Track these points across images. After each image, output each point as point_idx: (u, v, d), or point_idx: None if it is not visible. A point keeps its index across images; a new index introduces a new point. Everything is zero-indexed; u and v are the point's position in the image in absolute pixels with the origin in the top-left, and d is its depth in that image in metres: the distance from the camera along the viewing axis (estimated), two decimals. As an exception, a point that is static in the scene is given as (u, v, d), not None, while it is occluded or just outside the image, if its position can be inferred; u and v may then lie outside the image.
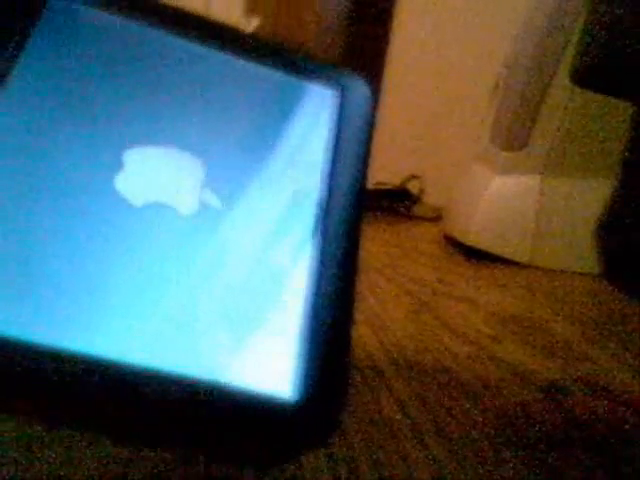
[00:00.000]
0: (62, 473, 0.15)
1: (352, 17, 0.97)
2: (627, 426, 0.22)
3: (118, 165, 0.16)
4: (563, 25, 0.50)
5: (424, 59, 0.97)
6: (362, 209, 0.18)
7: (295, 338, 0.16)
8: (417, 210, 0.83)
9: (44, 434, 0.17)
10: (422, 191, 0.86)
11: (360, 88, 0.20)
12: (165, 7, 0.18)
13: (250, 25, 0.90)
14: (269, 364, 0.15)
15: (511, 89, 0.57)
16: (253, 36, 0.19)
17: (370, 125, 0.20)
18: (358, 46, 0.98)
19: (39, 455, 0.16)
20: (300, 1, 0.94)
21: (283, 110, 0.19)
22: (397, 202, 0.83)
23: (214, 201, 0.17)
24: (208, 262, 0.16)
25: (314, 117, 0.19)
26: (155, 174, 0.16)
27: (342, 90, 0.20)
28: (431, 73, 0.98)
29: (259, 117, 0.18)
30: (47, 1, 0.17)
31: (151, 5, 0.18)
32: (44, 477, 0.15)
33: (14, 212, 0.14)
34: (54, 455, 0.16)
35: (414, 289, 0.40)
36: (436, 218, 0.78)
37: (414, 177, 0.86)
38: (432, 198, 0.86)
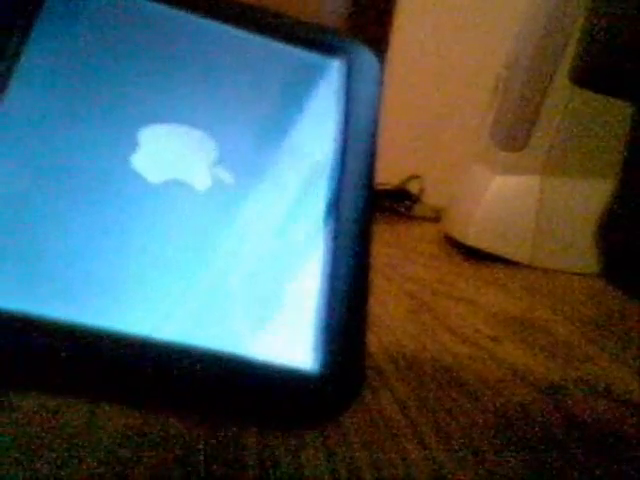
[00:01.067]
0: (62, 473, 0.15)
1: (352, 18, 0.97)
2: (627, 426, 0.22)
3: (134, 144, 0.16)
4: (563, 25, 0.50)
5: (424, 59, 0.97)
6: (373, 181, 0.18)
7: (314, 311, 0.16)
8: (417, 210, 0.83)
9: (44, 434, 0.17)
10: (422, 191, 0.86)
11: (366, 56, 0.20)
12: None
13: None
14: (290, 337, 0.15)
15: (511, 89, 0.57)
16: (259, 8, 0.19)
17: (378, 92, 0.20)
18: (358, 46, 0.98)
19: (39, 455, 0.16)
20: (300, 1, 0.94)
21: (292, 83, 0.19)
22: (397, 202, 0.83)
23: (227, 178, 0.17)
24: (226, 237, 0.16)
25: (323, 88, 0.19)
26: (170, 151, 0.16)
27: (349, 59, 0.20)
28: (431, 73, 0.98)
29: (269, 91, 0.18)
30: None
31: None
32: (44, 477, 0.15)
33: (34, 196, 0.14)
34: (54, 455, 0.16)
35: (414, 289, 0.40)
36: (436, 218, 0.78)
37: (414, 177, 0.86)
38: (432, 198, 0.86)
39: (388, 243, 0.58)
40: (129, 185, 0.15)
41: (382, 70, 0.20)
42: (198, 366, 0.14)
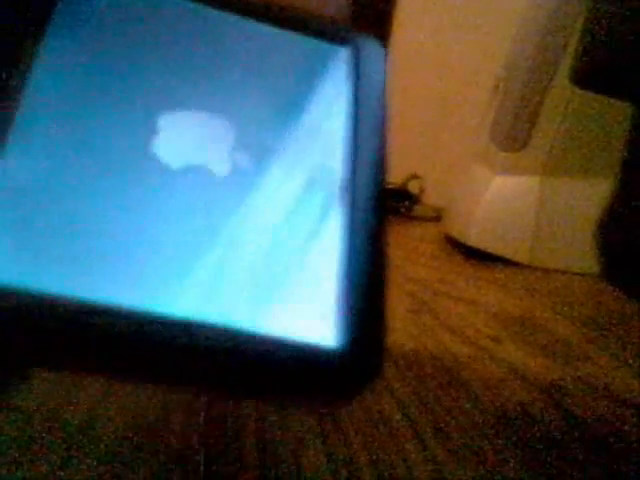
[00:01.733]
0: (62, 473, 0.15)
1: (352, 18, 0.97)
2: (627, 426, 0.22)
3: (153, 130, 0.16)
4: (563, 25, 0.50)
5: (424, 60, 0.97)
6: (386, 161, 0.19)
7: (333, 287, 0.16)
8: (417, 210, 0.83)
9: (44, 434, 0.17)
10: (422, 191, 0.86)
11: (373, 45, 0.21)
12: None
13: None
14: (311, 313, 0.16)
15: (511, 89, 0.57)
16: (269, 3, 0.20)
17: (385, 78, 0.20)
18: (358, 46, 0.98)
19: (39, 455, 0.16)
20: (300, 1, 0.94)
21: (304, 69, 0.19)
22: (397, 202, 0.83)
23: (245, 162, 0.17)
24: (245, 218, 0.16)
25: (333, 74, 0.20)
26: (189, 137, 0.17)
27: (357, 47, 0.21)
28: (431, 73, 0.98)
29: (282, 77, 0.19)
30: None
31: None
32: (44, 477, 0.15)
33: (55, 181, 0.15)
34: (54, 455, 0.16)
35: (414, 289, 0.40)
36: (436, 218, 0.78)
37: (414, 177, 0.86)
38: (432, 198, 0.87)
39: (388, 243, 0.58)
40: (149, 170, 0.16)
41: (388, 58, 0.21)
42: (218, 343, 0.14)
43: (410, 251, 0.56)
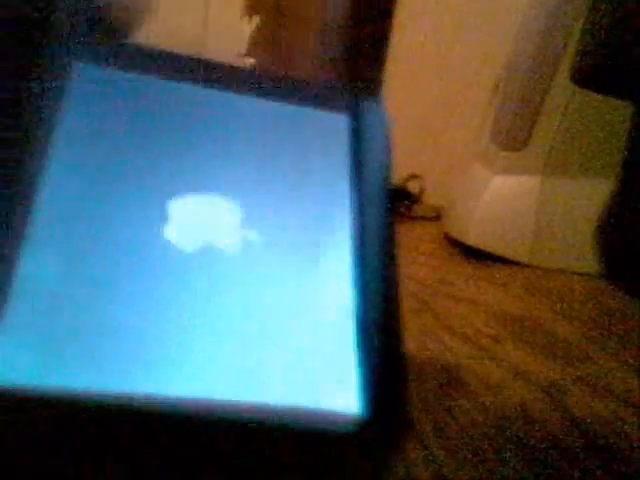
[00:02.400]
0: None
1: (352, 17, 0.97)
2: (627, 426, 0.22)
3: (165, 217, 0.17)
4: (563, 25, 0.50)
5: (424, 59, 0.97)
6: (392, 224, 0.19)
7: (352, 357, 0.16)
8: (417, 210, 0.83)
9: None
10: (422, 191, 0.86)
11: (374, 110, 0.21)
12: (180, 59, 0.19)
13: (250, 25, 0.90)
14: (335, 385, 0.16)
15: (511, 89, 0.57)
16: (263, 73, 0.20)
17: (388, 142, 0.21)
18: (358, 46, 0.98)
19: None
20: (300, 1, 0.94)
21: (305, 141, 0.20)
22: (397, 202, 0.83)
23: (254, 236, 0.17)
24: (260, 295, 0.17)
25: (334, 142, 0.20)
26: (199, 220, 0.17)
27: (354, 114, 0.21)
28: (431, 73, 0.98)
29: (282, 149, 0.20)
30: (71, 67, 0.17)
31: (169, 60, 0.19)
32: (45, 477, 0.15)
33: (74, 275, 0.15)
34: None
35: (414, 289, 0.40)
36: (436, 218, 0.78)
37: (414, 176, 0.86)
38: (432, 198, 0.86)
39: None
40: (163, 256, 0.16)
41: (389, 123, 0.21)
42: (249, 420, 0.15)
43: (410, 251, 0.56)
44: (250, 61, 0.89)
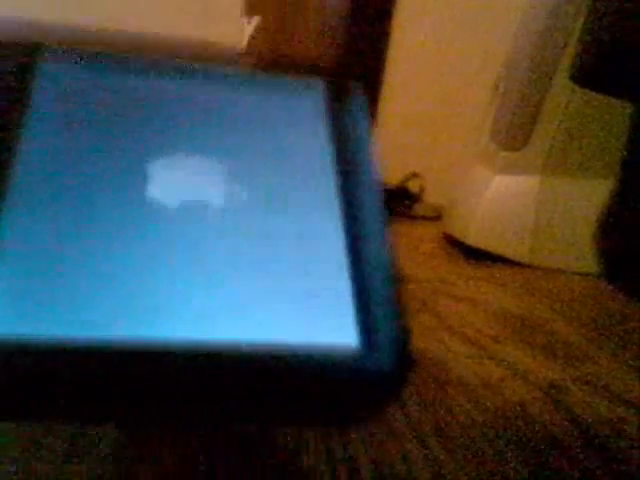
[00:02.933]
0: (62, 473, 0.15)
1: (352, 17, 0.97)
2: (627, 426, 0.22)
3: (147, 180, 0.17)
4: (563, 25, 0.50)
5: (424, 59, 0.97)
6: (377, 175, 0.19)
7: (348, 291, 0.17)
8: (417, 209, 0.83)
9: (44, 434, 0.17)
10: (422, 190, 0.86)
11: (350, 88, 0.21)
12: (152, 60, 0.19)
13: (250, 24, 0.90)
14: (332, 320, 0.16)
15: (511, 89, 0.57)
16: (239, 70, 0.21)
17: (365, 119, 0.21)
18: (358, 46, 0.98)
19: (39, 455, 0.16)
20: (300, 1, 0.94)
21: (280, 120, 0.20)
22: (397, 201, 0.83)
23: (241, 194, 0.18)
24: (250, 242, 0.17)
25: (310, 120, 0.20)
26: (183, 176, 0.17)
27: (331, 93, 0.21)
28: (431, 72, 0.98)
29: (260, 136, 0.20)
30: (36, 68, 0.17)
31: (140, 59, 0.19)
32: (44, 477, 0.15)
33: (60, 244, 0.15)
34: (54, 455, 0.16)
35: (414, 288, 0.40)
36: (436, 217, 0.78)
37: (414, 175, 0.86)
38: (432, 197, 0.86)
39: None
40: (149, 213, 0.16)
41: (369, 98, 0.22)
42: (247, 360, 0.14)
43: (410, 250, 0.56)
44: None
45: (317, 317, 0.16)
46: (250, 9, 0.93)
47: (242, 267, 0.16)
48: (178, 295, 0.15)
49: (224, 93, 0.20)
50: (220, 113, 0.19)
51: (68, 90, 0.18)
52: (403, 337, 0.16)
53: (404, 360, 0.16)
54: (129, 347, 0.14)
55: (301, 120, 0.20)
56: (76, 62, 0.18)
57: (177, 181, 0.17)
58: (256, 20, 0.92)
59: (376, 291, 0.17)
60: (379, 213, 0.19)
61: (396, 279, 0.17)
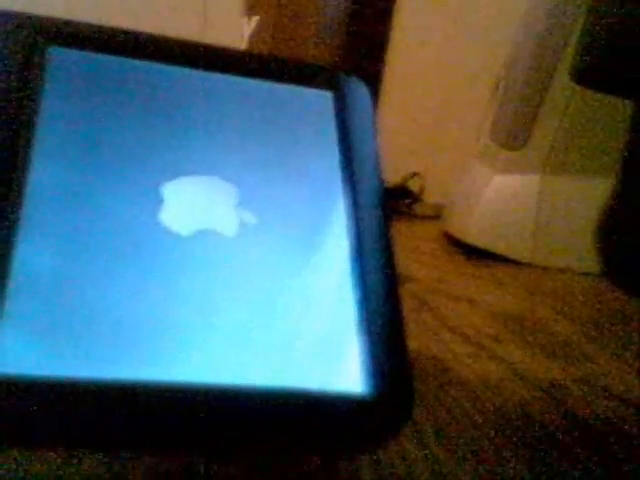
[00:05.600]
0: (62, 473, 0.15)
1: (352, 16, 0.97)
2: (627, 426, 0.22)
3: (159, 201, 0.17)
4: (563, 24, 0.50)
5: (424, 58, 0.97)
6: (384, 198, 0.19)
7: (355, 338, 0.16)
8: (418, 209, 0.83)
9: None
10: (422, 189, 0.86)
11: (356, 85, 0.21)
12: (163, 41, 0.19)
13: (250, 24, 0.90)
14: (339, 366, 0.16)
15: (511, 88, 0.57)
16: (247, 53, 0.20)
17: (371, 115, 0.21)
18: (358, 45, 0.98)
19: (39, 455, 0.16)
20: (300, 1, 0.94)
21: (292, 119, 0.20)
22: (398, 201, 0.83)
23: (251, 218, 0.17)
24: (261, 277, 0.17)
25: (320, 118, 0.20)
26: (195, 202, 0.17)
27: (340, 90, 0.21)
28: (431, 72, 0.98)
29: (273, 128, 0.19)
30: (48, 53, 0.17)
31: (151, 42, 0.19)
32: (44, 477, 0.15)
33: (73, 266, 0.15)
34: (54, 455, 0.16)
35: (415, 288, 0.40)
36: (437, 216, 0.78)
37: (415, 174, 0.86)
38: (433, 196, 0.86)
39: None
40: (159, 240, 0.16)
41: (373, 96, 0.21)
42: (257, 404, 0.15)
43: (410, 250, 0.56)
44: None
45: (325, 363, 0.16)
46: (250, 9, 0.94)
47: (250, 304, 0.16)
48: (180, 336, 0.15)
49: (234, 82, 0.19)
50: (228, 100, 0.19)
51: (79, 74, 0.17)
52: (406, 379, 0.16)
53: (407, 401, 0.16)
54: (136, 389, 0.14)
55: (309, 119, 0.20)
56: (86, 45, 0.18)
57: (189, 202, 0.17)
58: (256, 20, 0.92)
59: (382, 332, 0.17)
60: (387, 241, 0.18)
61: (402, 317, 0.18)
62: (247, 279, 0.16)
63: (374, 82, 0.94)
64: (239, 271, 0.16)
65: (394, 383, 0.16)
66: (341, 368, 0.16)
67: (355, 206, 0.18)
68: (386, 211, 0.19)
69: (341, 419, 0.15)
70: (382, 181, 0.20)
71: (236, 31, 0.87)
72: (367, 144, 0.20)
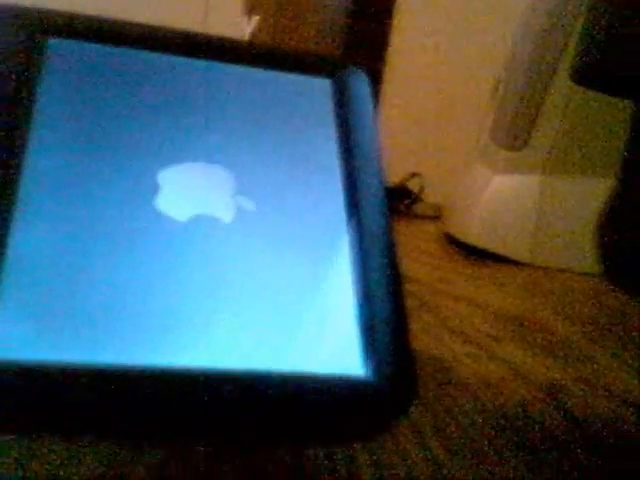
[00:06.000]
0: (62, 473, 0.15)
1: (352, 16, 0.97)
2: (627, 426, 0.22)
3: (155, 187, 0.17)
4: (563, 25, 0.50)
5: (424, 58, 0.97)
6: (384, 184, 0.19)
7: (355, 320, 0.16)
8: (417, 209, 0.83)
9: (44, 434, 0.17)
10: (422, 189, 0.86)
11: (355, 74, 0.21)
12: (160, 31, 0.19)
13: (250, 24, 0.90)
14: (341, 349, 0.16)
15: (511, 89, 0.57)
16: (245, 42, 0.20)
17: (370, 104, 0.21)
18: (358, 44, 0.98)
19: (39, 455, 0.16)
20: (300, 0, 0.93)
21: (291, 107, 0.20)
22: (397, 201, 0.83)
23: (249, 205, 0.17)
24: (259, 263, 0.17)
25: (319, 106, 0.20)
26: (192, 189, 0.17)
27: (339, 78, 0.21)
28: (431, 71, 0.98)
29: (271, 116, 0.19)
30: (46, 43, 0.17)
31: (148, 32, 0.19)
32: (44, 477, 0.15)
33: (70, 253, 0.15)
34: (54, 455, 0.16)
35: (414, 288, 0.40)
36: (437, 217, 0.77)
37: (414, 175, 0.86)
38: (432, 196, 0.86)
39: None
40: (156, 227, 0.16)
41: (372, 84, 0.21)
42: (260, 388, 0.14)
43: (410, 250, 0.56)
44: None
45: (325, 346, 0.16)
46: (250, 9, 0.93)
47: (250, 290, 0.16)
48: (179, 320, 0.15)
49: (232, 70, 0.19)
50: (226, 88, 0.19)
51: (77, 64, 0.17)
52: (408, 362, 0.16)
53: (409, 385, 0.16)
54: (141, 373, 0.14)
55: (307, 107, 0.20)
56: (84, 36, 0.18)
57: (187, 189, 0.17)
58: (256, 20, 0.92)
59: (382, 315, 0.17)
60: (387, 227, 0.19)
61: (403, 300, 0.17)
62: (246, 264, 0.16)
63: (374, 82, 0.94)
64: (238, 256, 0.16)
65: (397, 365, 0.16)
66: (343, 351, 0.16)
67: (354, 192, 0.18)
68: (385, 195, 0.19)
69: (346, 402, 0.15)
70: (382, 167, 0.19)
71: (236, 31, 0.87)
72: (367, 132, 0.20)
